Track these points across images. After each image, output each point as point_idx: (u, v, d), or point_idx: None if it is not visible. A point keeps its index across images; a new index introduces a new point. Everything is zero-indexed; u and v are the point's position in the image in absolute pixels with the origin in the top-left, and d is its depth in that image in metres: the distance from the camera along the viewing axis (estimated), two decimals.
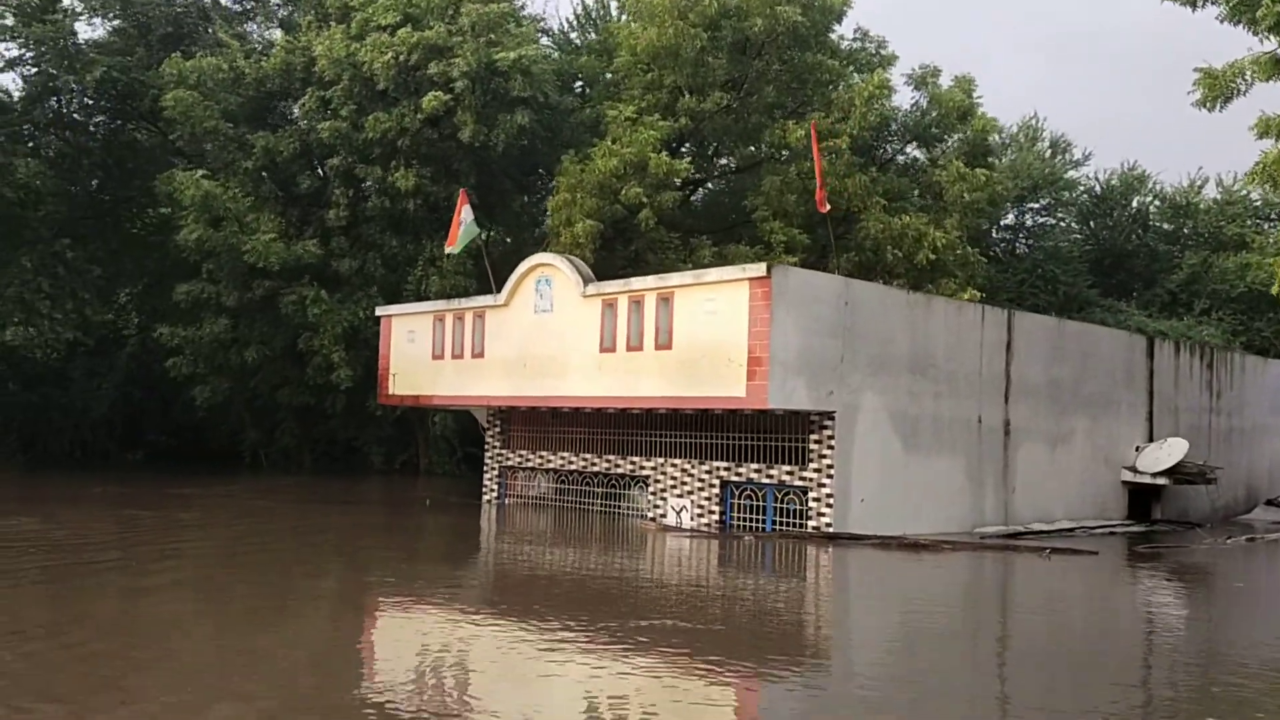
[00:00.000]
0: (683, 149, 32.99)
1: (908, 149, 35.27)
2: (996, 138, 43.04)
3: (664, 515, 18.66)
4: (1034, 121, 45.33)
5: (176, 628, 9.33)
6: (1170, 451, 21.94)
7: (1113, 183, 41.25)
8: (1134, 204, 41.14)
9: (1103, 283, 38.25)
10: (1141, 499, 22.76)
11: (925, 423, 18.07)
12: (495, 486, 22.19)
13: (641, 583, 13.22)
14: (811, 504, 16.83)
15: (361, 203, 29.81)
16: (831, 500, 16.61)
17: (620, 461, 19.72)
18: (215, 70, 29.23)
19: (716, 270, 17.01)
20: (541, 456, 21.26)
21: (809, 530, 16.69)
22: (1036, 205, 42.89)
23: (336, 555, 15.08)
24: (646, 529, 17.80)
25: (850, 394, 16.82)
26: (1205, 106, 16.47)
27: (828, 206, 19.88)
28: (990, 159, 34.15)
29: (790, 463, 17.17)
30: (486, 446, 22.44)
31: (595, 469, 20.13)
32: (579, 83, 34.27)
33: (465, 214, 21.37)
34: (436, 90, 27.60)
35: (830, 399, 16.54)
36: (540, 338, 19.07)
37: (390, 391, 22.47)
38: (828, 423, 16.69)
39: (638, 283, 17.67)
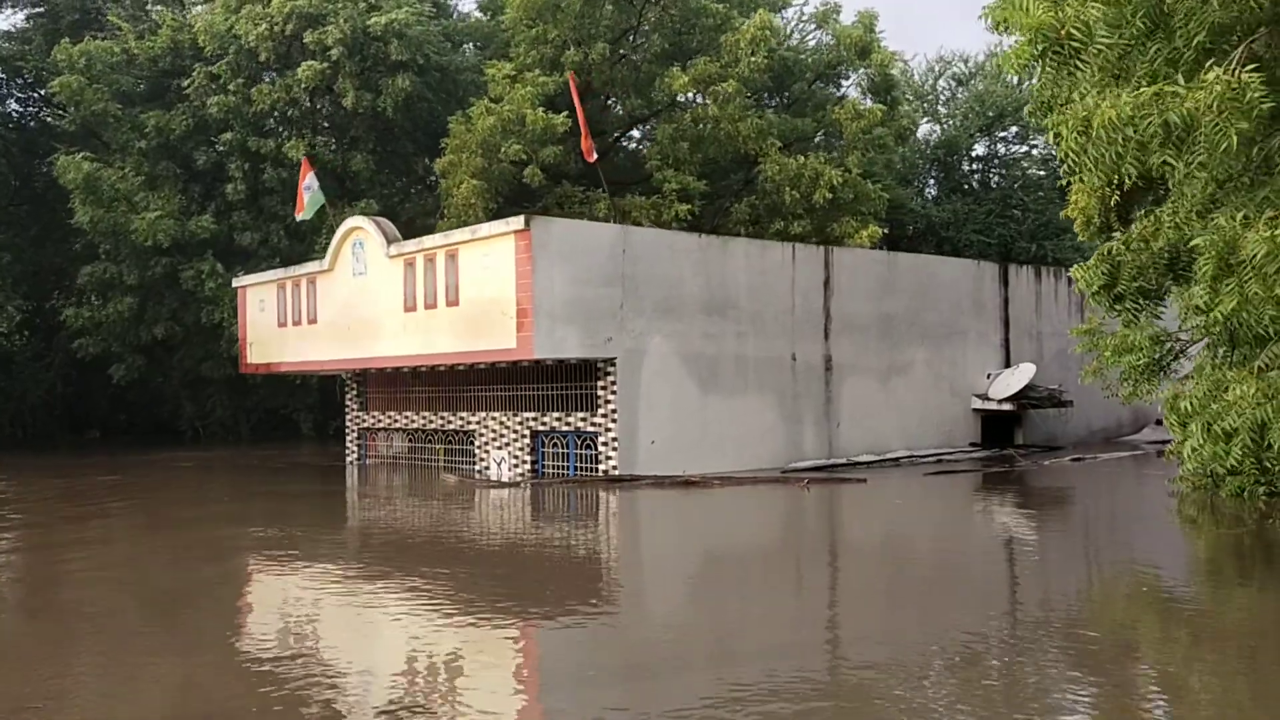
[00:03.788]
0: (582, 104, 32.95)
1: (815, 88, 34.95)
2: (962, 68, 42.49)
3: (488, 467, 19.14)
4: (998, 49, 44.59)
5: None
6: (1019, 377, 21.96)
7: None
8: None
9: None
10: (1003, 426, 22.83)
11: (726, 363, 18.30)
12: (356, 448, 22.79)
13: (417, 536, 13.58)
14: (601, 448, 17.21)
15: (259, 175, 30.29)
16: (617, 444, 16.96)
17: (452, 418, 20.20)
18: (106, 53, 29.75)
19: (488, 225, 17.29)
20: (392, 417, 21.81)
21: (600, 474, 17.08)
22: (1005, 134, 42.41)
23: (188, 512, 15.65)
24: (449, 482, 18.28)
25: (633, 339, 17.10)
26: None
27: (594, 156, 19.96)
28: (893, 94, 33.77)
29: (584, 410, 17.54)
30: (346, 409, 23.03)
31: (437, 426, 20.64)
32: (471, 43, 34.34)
33: (310, 181, 21.74)
34: (312, 60, 27.91)
35: (610, 345, 16.83)
36: (358, 300, 19.53)
37: (249, 360, 23.09)
38: (610, 369, 17.00)
39: (430, 241, 18.02)
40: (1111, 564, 10.75)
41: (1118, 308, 9.23)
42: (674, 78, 29.26)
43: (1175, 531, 12.73)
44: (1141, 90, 7.21)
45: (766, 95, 34.52)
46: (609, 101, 35.08)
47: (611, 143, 37.72)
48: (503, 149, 27.96)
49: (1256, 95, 6.51)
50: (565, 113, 31.65)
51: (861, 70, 33.68)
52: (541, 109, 28.07)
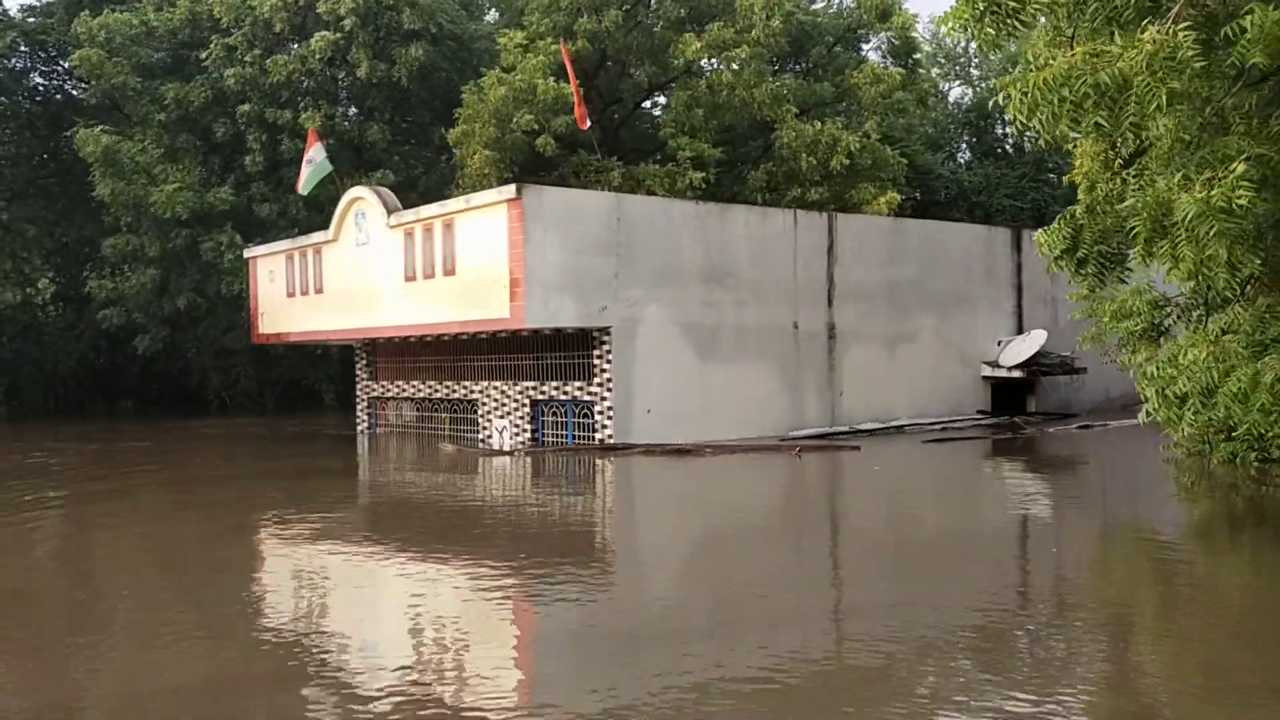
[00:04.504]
0: (596, 72, 32.79)
1: (834, 53, 34.45)
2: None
3: (490, 436, 19.28)
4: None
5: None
6: (1029, 344, 21.68)
7: None
8: None
9: None
10: (1014, 394, 22.58)
11: (726, 331, 18.23)
12: (366, 417, 23.05)
13: (413, 502, 13.76)
14: (597, 417, 17.26)
15: (277, 147, 30.50)
16: (613, 412, 17.01)
17: (457, 387, 20.35)
18: (125, 25, 30.04)
19: (482, 194, 17.29)
20: (400, 386, 22.01)
21: (596, 442, 17.15)
22: None
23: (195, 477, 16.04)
24: (446, 451, 18.44)
25: (629, 308, 17.08)
26: None
27: (588, 123, 19.85)
28: (914, 57, 33.23)
29: (581, 379, 17.59)
30: (357, 379, 23.27)
31: (441, 395, 20.81)
32: (492, 10, 34.23)
33: (314, 154, 21.88)
34: (325, 30, 28.01)
35: (605, 314, 16.83)
36: (361, 270, 19.67)
37: (260, 331, 23.38)
38: (605, 338, 17.01)
39: (427, 211, 18.08)
40: (1086, 532, 10.63)
41: (1081, 272, 9.06)
42: (687, 43, 28.99)
43: (1154, 498, 12.55)
44: (1076, 50, 7.05)
45: (785, 60, 34.10)
46: (627, 70, 34.92)
47: (631, 111, 37.57)
48: (515, 119, 27.92)
49: (1189, 54, 6.31)
50: (577, 81, 31.48)
51: (882, 33, 33.18)
52: (553, 79, 27.98)
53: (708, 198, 24.79)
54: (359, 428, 23.22)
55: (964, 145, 46.12)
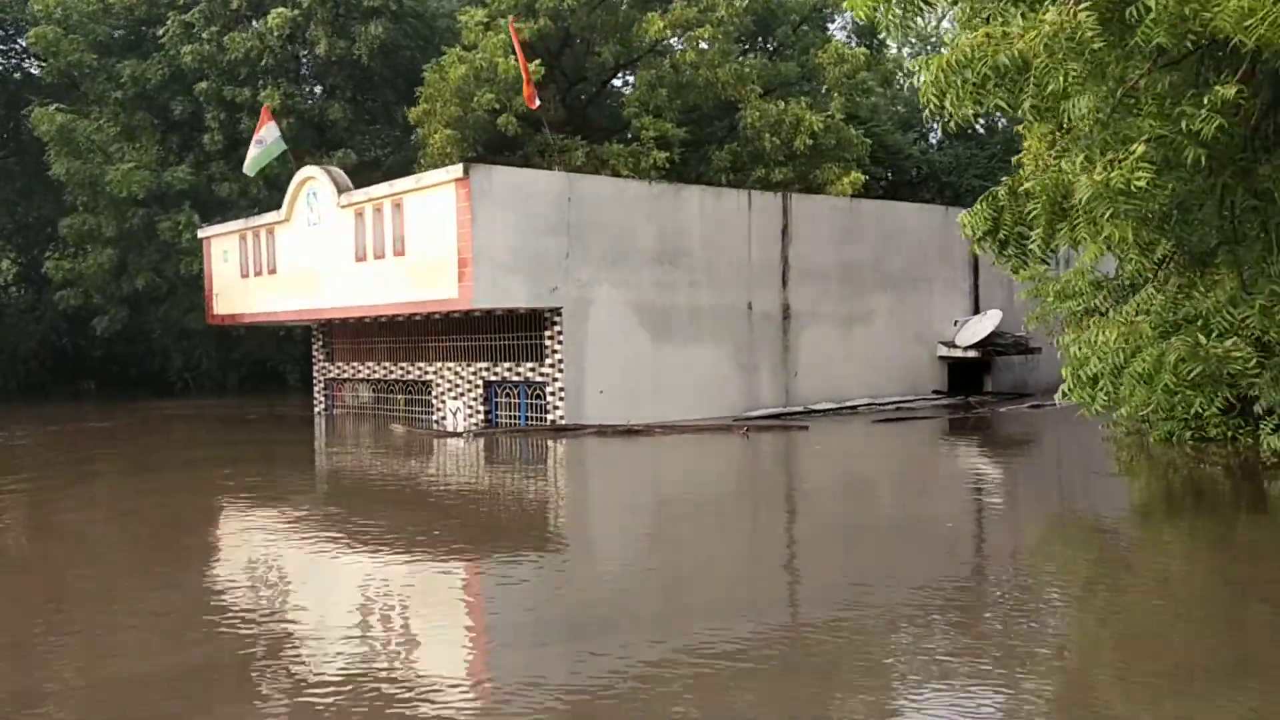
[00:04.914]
0: (560, 51, 32.57)
1: (800, 32, 34.35)
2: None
3: (444, 418, 19.23)
4: None
5: None
6: (985, 324, 21.79)
7: None
8: None
9: None
10: (971, 373, 22.71)
11: (680, 312, 18.23)
12: (323, 399, 22.94)
13: (360, 486, 13.75)
14: (549, 398, 17.25)
15: (237, 125, 30.18)
16: (564, 393, 16.99)
17: (411, 368, 20.28)
18: (82, 2, 29.61)
19: (431, 174, 17.17)
20: (355, 368, 21.91)
21: (548, 424, 17.14)
22: None
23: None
24: (396, 432, 18.39)
25: (580, 289, 17.04)
26: None
27: (537, 103, 19.78)
28: (880, 36, 33.17)
29: (534, 360, 17.55)
30: (314, 360, 23.15)
31: (396, 377, 20.73)
32: None
33: (265, 133, 21.64)
34: (282, 7, 27.68)
35: (556, 295, 16.79)
36: (314, 250, 19.52)
37: (215, 312, 23.21)
38: (556, 319, 16.97)
39: (377, 190, 17.95)
40: (1014, 509, 10.72)
41: (1004, 254, 9.10)
42: (651, 22, 28.82)
43: (1088, 476, 12.66)
44: (977, 32, 7.06)
45: (750, 40, 33.99)
46: (591, 48, 34.69)
47: (599, 90, 37.34)
48: (476, 98, 27.73)
49: (1088, 35, 6.31)
50: (539, 60, 31.33)
51: (848, 13, 33.08)
52: (514, 57, 27.76)
53: (673, 177, 24.75)
54: (316, 409, 23.12)
55: (935, 125, 46.12)
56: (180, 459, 16.05)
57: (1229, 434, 12.62)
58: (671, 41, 31.41)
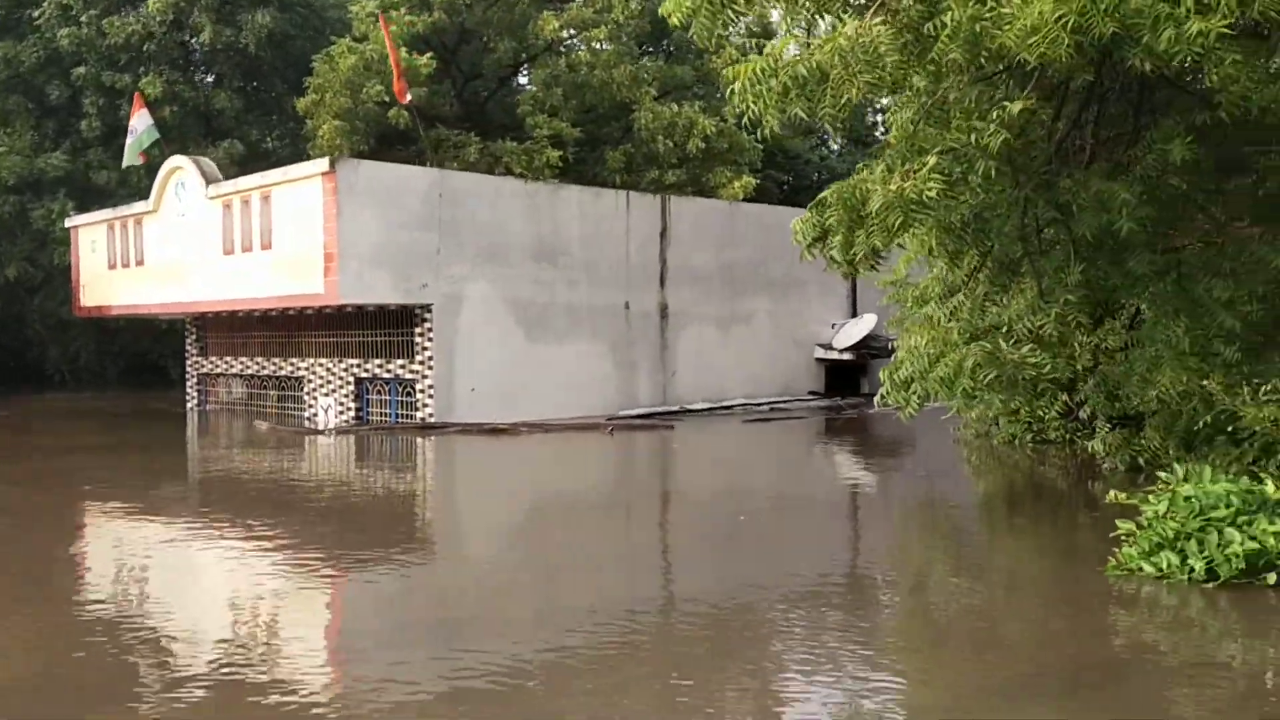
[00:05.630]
0: (457, 46, 32.31)
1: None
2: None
3: (316, 415, 18.93)
4: None
5: None
6: (860, 327, 22.26)
7: None
8: None
9: None
10: (848, 376, 23.17)
11: (557, 310, 18.24)
12: (196, 394, 22.39)
13: (216, 483, 13.40)
14: (419, 395, 17.11)
15: (116, 112, 29.24)
16: (433, 391, 16.86)
17: (284, 364, 19.91)
18: None
19: (299, 166, 16.91)
20: (229, 363, 21.43)
21: (417, 421, 16.99)
22: None
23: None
24: (260, 429, 18.05)
25: (452, 285, 16.94)
26: None
27: (408, 98, 19.60)
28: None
29: (405, 357, 17.39)
30: (187, 354, 22.57)
31: (269, 372, 20.33)
32: None
33: (138, 121, 21.01)
34: None
35: (426, 291, 16.66)
36: (182, 242, 19.04)
37: (82, 303, 22.49)
38: (427, 315, 16.84)
39: (245, 182, 17.59)
40: (853, 506, 11.00)
41: (842, 260, 9.29)
42: (547, 21, 28.79)
43: (931, 474, 13.06)
44: (780, 41, 7.24)
45: (647, 43, 34.15)
46: (488, 45, 34.47)
47: (498, 86, 37.09)
48: (366, 89, 27.35)
49: (883, 49, 6.53)
50: (430, 54, 31.04)
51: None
52: (405, 49, 27.46)
53: (568, 177, 24.71)
54: (189, 405, 22.54)
55: (827, 133, 46.85)
56: (33, 455, 15.50)
57: (1067, 437, 13.14)
58: (570, 41, 31.42)
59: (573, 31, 30.08)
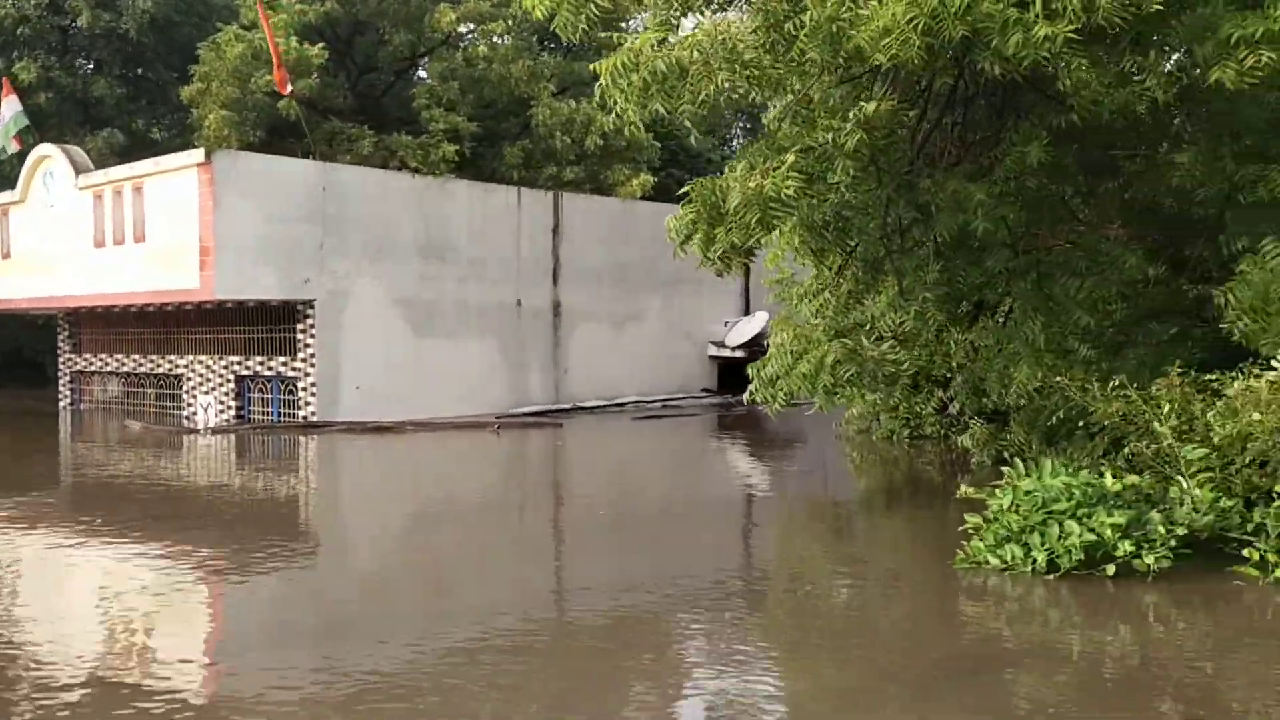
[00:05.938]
0: (351, 37, 31.66)
1: (593, 33, 34.49)
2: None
3: (195, 413, 18.32)
4: None
5: None
6: (753, 325, 22.48)
7: None
8: None
9: None
10: (741, 373, 23.32)
11: (445, 307, 17.99)
12: (69, 392, 21.49)
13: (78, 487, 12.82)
14: (301, 393, 16.69)
15: None
16: (316, 389, 16.48)
17: (162, 361, 19.24)
18: None
19: (173, 157, 16.39)
20: (104, 360, 20.62)
21: (299, 420, 16.58)
22: None
23: None
24: (132, 429, 17.41)
25: (336, 281, 16.57)
26: None
27: (289, 88, 19.23)
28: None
29: (287, 354, 16.95)
30: (59, 351, 21.66)
31: (147, 370, 19.62)
32: None
33: (5, 108, 20.01)
34: None
35: (308, 287, 16.26)
36: (50, 234, 18.26)
37: None
38: (309, 312, 16.45)
39: (117, 172, 16.96)
40: (727, 499, 11.09)
41: (709, 258, 9.38)
42: (443, 14, 28.40)
43: (796, 469, 13.27)
44: (641, 36, 7.27)
45: (546, 38, 33.95)
46: (383, 37, 33.86)
47: (395, 80, 36.44)
48: (254, 79, 26.61)
49: (740, 46, 6.59)
50: (322, 44, 30.34)
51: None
52: (295, 39, 26.80)
53: (465, 172, 24.39)
54: (61, 404, 21.62)
55: (738, 129, 47.29)
56: None
57: (941, 432, 13.46)
58: (468, 35, 31.03)
59: (471, 25, 29.75)
